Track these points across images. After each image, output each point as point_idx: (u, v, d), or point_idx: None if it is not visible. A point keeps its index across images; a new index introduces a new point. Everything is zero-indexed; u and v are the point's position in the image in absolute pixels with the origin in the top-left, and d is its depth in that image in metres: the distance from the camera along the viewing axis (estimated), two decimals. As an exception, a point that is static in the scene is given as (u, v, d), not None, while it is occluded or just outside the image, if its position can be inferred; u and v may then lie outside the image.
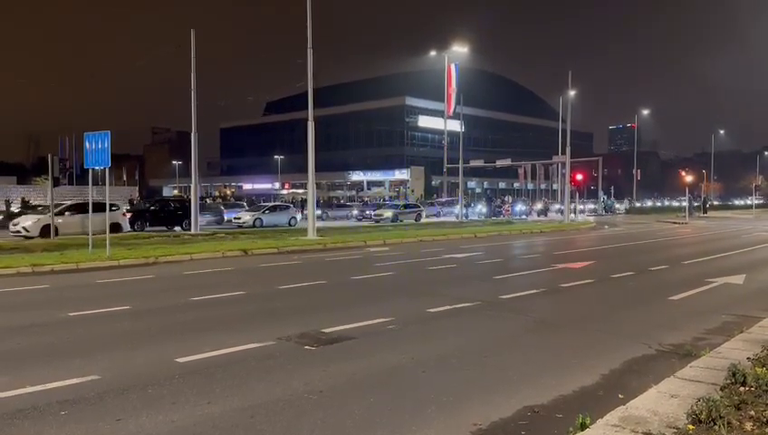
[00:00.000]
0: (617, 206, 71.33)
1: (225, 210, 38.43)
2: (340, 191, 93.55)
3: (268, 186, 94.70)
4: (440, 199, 61.89)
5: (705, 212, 58.83)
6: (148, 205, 33.42)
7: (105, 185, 17.99)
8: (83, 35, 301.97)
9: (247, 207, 41.90)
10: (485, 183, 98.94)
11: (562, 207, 47.26)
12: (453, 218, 45.59)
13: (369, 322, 8.43)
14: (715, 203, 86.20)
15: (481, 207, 51.34)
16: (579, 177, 40.06)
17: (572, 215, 43.59)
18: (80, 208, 24.76)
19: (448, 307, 9.62)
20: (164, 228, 29.63)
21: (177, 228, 30.08)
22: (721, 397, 4.73)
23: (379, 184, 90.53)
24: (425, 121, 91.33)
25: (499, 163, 55.04)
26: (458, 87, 51.66)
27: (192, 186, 29.16)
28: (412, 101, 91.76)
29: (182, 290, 11.68)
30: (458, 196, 48.39)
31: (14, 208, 37.15)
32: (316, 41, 25.20)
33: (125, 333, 7.94)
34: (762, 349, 6.31)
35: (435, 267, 15.42)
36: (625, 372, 6.26)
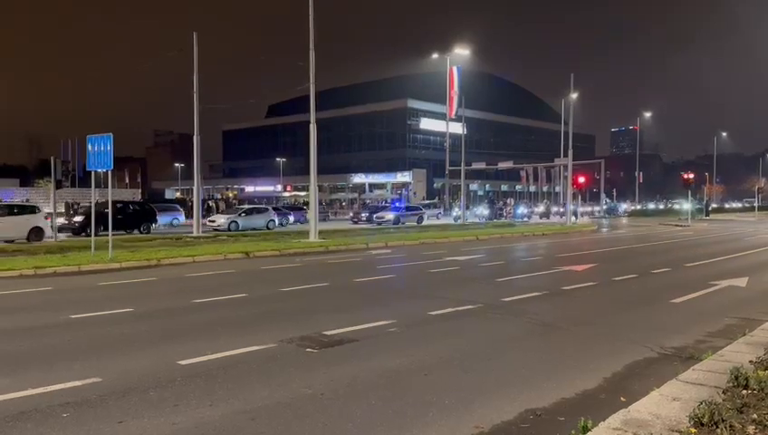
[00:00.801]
0: (620, 207, 71.26)
1: (159, 213, 34.42)
2: (342, 194, 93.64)
3: (270, 188, 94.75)
4: (422, 203, 57.18)
5: (707, 215, 58.73)
6: (103, 208, 31.43)
7: (108, 187, 18.00)
8: (86, 38, 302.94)
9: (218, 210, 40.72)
10: (487, 185, 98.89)
11: (564, 210, 47.26)
12: (449, 221, 45.59)
13: (371, 324, 8.42)
14: (714, 206, 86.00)
15: (482, 210, 51.29)
16: (581, 179, 40.04)
17: (574, 217, 43.54)
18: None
19: (450, 310, 9.61)
20: (122, 232, 27.59)
21: (136, 232, 29.06)
22: (723, 400, 4.72)
23: (382, 186, 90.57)
24: (427, 124, 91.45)
25: (501, 166, 55.03)
26: (460, 89, 51.75)
27: (194, 188, 29.24)
28: (414, 104, 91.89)
29: (184, 292, 11.69)
30: (442, 199, 48.19)
31: None
32: (318, 43, 25.29)
33: (127, 335, 7.95)
34: (765, 352, 6.29)
35: (437, 270, 15.41)
36: (627, 375, 6.24)
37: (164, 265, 16.20)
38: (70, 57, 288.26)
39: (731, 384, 5.14)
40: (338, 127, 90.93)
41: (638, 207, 78.83)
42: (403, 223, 40.13)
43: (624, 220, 55.14)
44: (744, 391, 4.97)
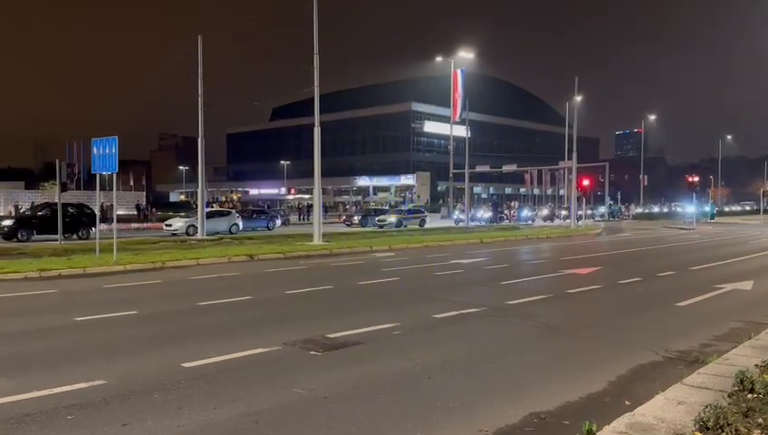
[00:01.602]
0: (627, 210, 71.09)
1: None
2: (346, 196, 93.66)
3: (274, 191, 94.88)
4: (402, 208, 52.61)
5: (711, 218, 58.55)
6: (37, 211, 29.13)
7: (113, 190, 18.06)
8: (90, 42, 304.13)
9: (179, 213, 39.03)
10: (491, 188, 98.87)
11: (568, 212, 47.19)
12: (450, 223, 45.54)
13: (375, 327, 8.42)
14: (717, 209, 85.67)
15: (482, 212, 51.22)
16: (585, 182, 39.88)
17: (578, 220, 43.46)
18: None
19: (454, 313, 9.60)
20: (56, 238, 24.69)
21: (74, 237, 27.27)
22: (729, 404, 4.70)
23: (386, 189, 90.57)
24: (431, 127, 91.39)
25: (505, 169, 55.02)
26: (464, 92, 51.63)
27: (199, 191, 29.29)
28: (418, 107, 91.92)
29: (188, 295, 11.71)
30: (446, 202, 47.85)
31: None
32: (322, 46, 25.28)
33: (131, 338, 7.97)
34: (770, 356, 6.26)
35: (441, 273, 15.40)
36: (632, 379, 6.22)
37: (168, 267, 16.23)
38: (75, 61, 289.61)
39: (736, 388, 5.12)
40: (342, 130, 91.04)
41: (643, 210, 78.56)
42: (405, 226, 40.17)
43: (628, 223, 55.04)
44: (750, 395, 4.95)
